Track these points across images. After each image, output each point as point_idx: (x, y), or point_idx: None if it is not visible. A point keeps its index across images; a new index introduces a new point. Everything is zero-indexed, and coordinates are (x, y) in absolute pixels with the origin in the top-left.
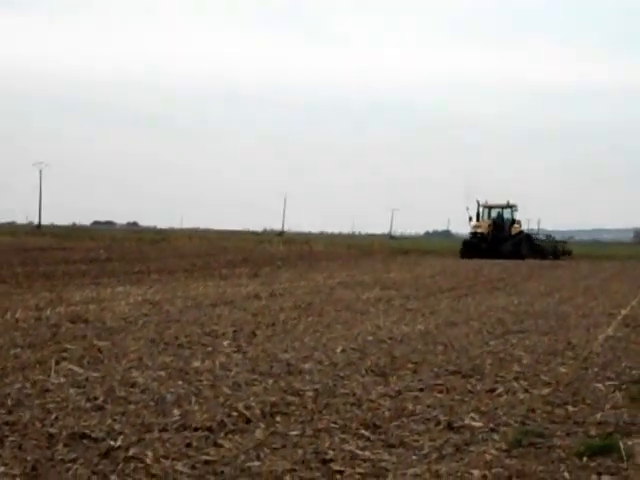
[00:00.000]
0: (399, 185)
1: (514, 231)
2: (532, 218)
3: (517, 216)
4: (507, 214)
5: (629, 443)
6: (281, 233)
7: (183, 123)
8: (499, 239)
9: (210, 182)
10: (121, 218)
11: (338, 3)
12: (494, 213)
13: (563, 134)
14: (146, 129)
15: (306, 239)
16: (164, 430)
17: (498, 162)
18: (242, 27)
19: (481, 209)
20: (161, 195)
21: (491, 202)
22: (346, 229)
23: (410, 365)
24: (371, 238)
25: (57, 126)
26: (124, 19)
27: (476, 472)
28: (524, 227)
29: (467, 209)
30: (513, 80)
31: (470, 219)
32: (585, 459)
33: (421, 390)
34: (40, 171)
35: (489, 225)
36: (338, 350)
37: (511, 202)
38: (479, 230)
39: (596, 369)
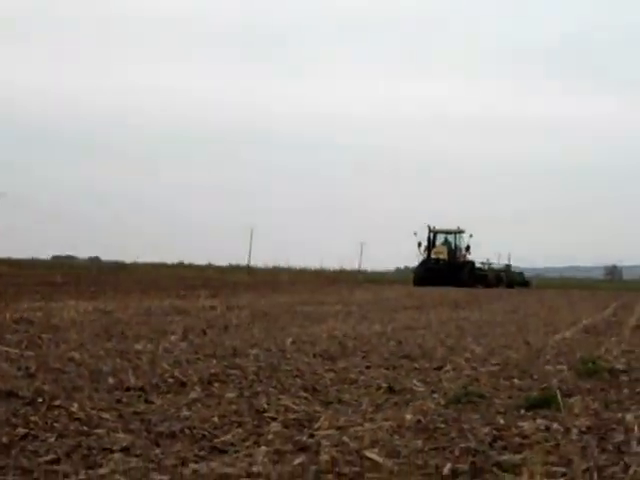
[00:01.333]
0: (369, 220)
1: (465, 258)
2: (503, 253)
3: (467, 242)
4: (458, 240)
5: (569, 400)
6: (247, 267)
7: (149, 157)
8: (453, 266)
9: (175, 216)
10: (83, 252)
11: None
12: (446, 238)
13: (534, 171)
14: (111, 162)
15: (272, 271)
16: (95, 391)
17: (468, 197)
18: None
19: (431, 234)
20: (124, 229)
21: (441, 227)
22: (315, 264)
23: (360, 352)
24: (340, 272)
25: (17, 158)
26: (86, 49)
27: (409, 416)
28: (495, 262)
29: (415, 234)
30: (480, 113)
31: (419, 245)
32: (523, 411)
33: (367, 367)
34: None
35: (448, 251)
36: (288, 341)
37: (461, 227)
38: (441, 256)
39: (548, 357)
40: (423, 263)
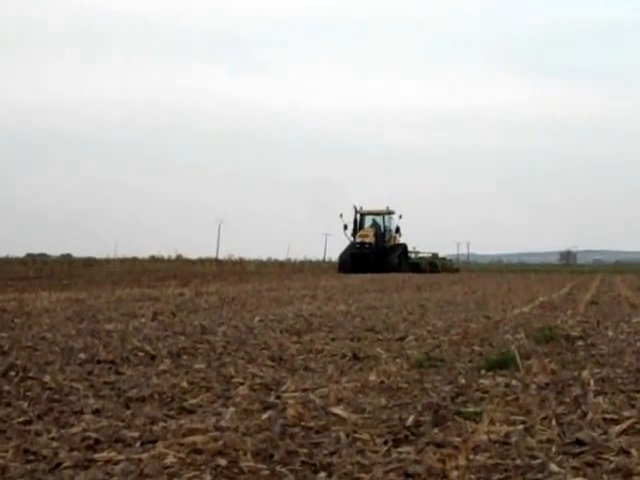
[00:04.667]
0: (334, 211)
1: (396, 241)
2: (462, 242)
3: (397, 224)
4: (387, 222)
5: (527, 362)
6: (216, 259)
7: (116, 151)
8: (382, 250)
9: (145, 210)
10: (55, 250)
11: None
12: (374, 220)
13: (492, 161)
14: (79, 160)
15: (240, 262)
16: (67, 364)
17: (431, 188)
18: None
19: (358, 216)
20: (94, 225)
21: (369, 208)
22: (281, 256)
23: (325, 328)
24: (306, 263)
25: None
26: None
27: (373, 377)
28: (455, 251)
29: (341, 216)
30: (435, 106)
31: (345, 227)
32: (483, 371)
33: (333, 340)
34: None
35: (375, 234)
36: (256, 320)
37: (390, 208)
38: (367, 240)
39: (507, 328)
40: (349, 248)
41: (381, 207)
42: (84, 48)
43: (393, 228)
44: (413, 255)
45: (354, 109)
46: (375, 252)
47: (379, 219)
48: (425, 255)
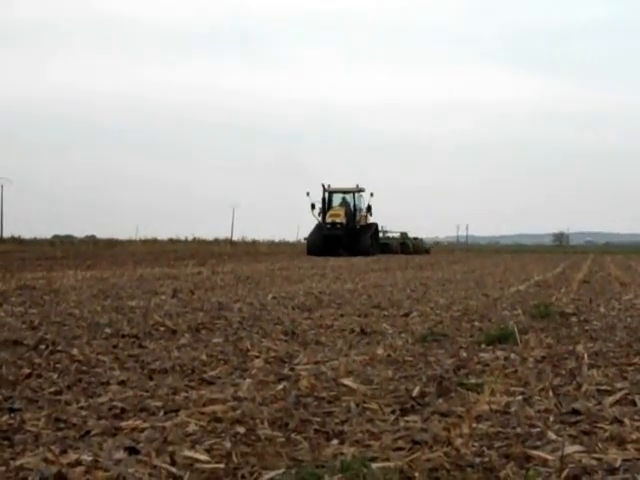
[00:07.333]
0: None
1: (366, 221)
2: (461, 224)
3: (367, 203)
4: (358, 200)
5: (525, 336)
6: (230, 240)
7: (139, 138)
8: (354, 230)
9: (164, 194)
10: (80, 232)
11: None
12: (344, 199)
13: (490, 149)
14: (102, 146)
15: (253, 243)
16: (93, 338)
17: (432, 174)
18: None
19: (327, 194)
20: (117, 208)
21: (338, 186)
22: (291, 237)
23: (334, 305)
24: None
25: (20, 145)
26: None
27: (380, 351)
28: (454, 233)
29: (308, 194)
30: (443, 98)
31: (313, 207)
32: (483, 345)
33: (341, 316)
34: (1, 186)
35: (345, 214)
36: (269, 297)
37: (360, 186)
38: (338, 220)
39: (504, 305)
40: (319, 228)
41: (350, 185)
42: (103, 48)
43: (363, 207)
44: (382, 234)
45: (358, 101)
46: (347, 233)
47: (349, 197)
48: (395, 235)
